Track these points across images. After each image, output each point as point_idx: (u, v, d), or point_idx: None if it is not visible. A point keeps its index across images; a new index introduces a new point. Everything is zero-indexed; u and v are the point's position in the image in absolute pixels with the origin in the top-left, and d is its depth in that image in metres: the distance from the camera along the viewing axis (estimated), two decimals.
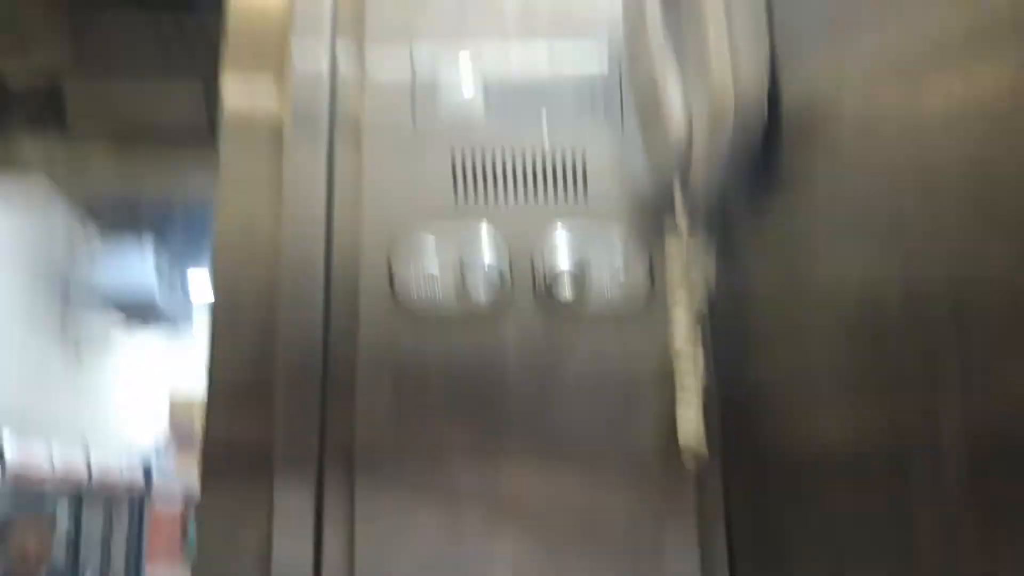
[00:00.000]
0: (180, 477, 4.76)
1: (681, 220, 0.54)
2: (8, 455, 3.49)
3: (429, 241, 0.60)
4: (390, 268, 0.60)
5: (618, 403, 0.59)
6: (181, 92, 2.31)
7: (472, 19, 0.65)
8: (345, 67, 0.65)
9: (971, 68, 0.33)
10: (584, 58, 0.63)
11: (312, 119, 0.64)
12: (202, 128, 2.34)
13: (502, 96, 0.63)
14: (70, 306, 4.46)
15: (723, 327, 0.58)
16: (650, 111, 0.54)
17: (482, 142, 0.62)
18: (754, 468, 0.55)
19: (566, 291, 0.59)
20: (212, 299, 0.66)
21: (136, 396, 5.20)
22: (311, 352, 0.60)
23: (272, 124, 0.69)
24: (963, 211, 0.33)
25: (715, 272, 0.56)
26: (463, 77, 0.63)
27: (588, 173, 0.61)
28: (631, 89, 0.59)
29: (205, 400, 0.62)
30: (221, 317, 0.65)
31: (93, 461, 4.24)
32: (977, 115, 0.32)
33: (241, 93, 0.70)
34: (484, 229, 0.60)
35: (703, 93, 0.49)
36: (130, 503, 4.75)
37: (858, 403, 0.42)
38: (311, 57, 0.65)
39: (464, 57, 0.63)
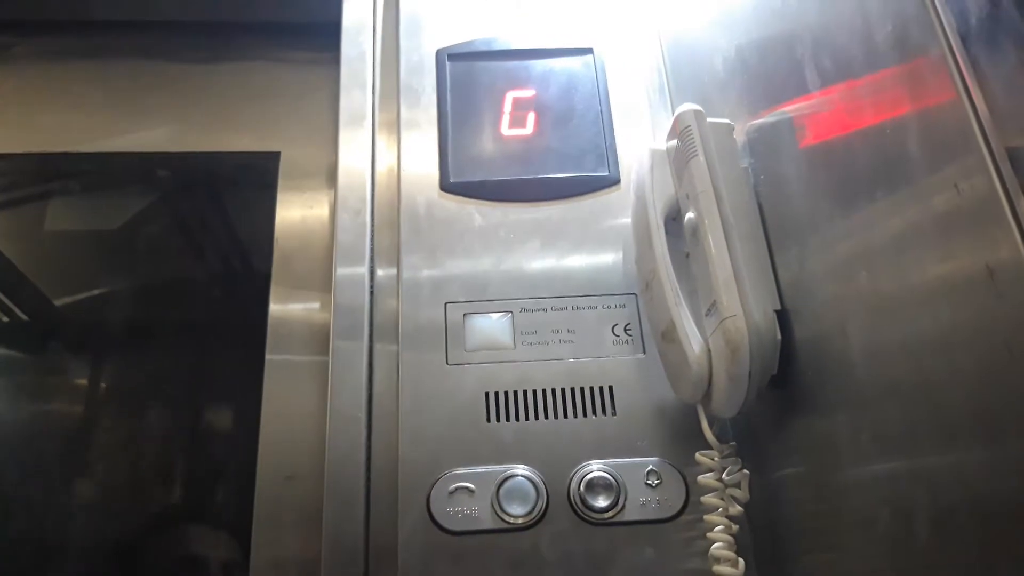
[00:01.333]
0: None
1: (708, 433, 0.59)
2: None
3: (464, 467, 0.63)
4: (428, 495, 0.63)
5: None
6: None
7: (498, 255, 0.72)
8: (383, 301, 0.72)
9: (960, 301, 0.39)
10: (606, 279, 0.71)
11: (352, 353, 0.69)
12: None
13: (530, 324, 0.69)
14: None
15: (760, 530, 0.61)
16: (669, 346, 0.60)
17: (512, 368, 0.67)
18: None
19: (600, 500, 0.62)
20: (254, 515, 0.69)
21: None
22: (353, 572, 0.63)
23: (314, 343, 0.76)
24: (972, 425, 0.38)
25: (748, 477, 0.59)
26: (495, 322, 0.69)
27: (616, 390, 0.66)
28: (648, 321, 0.65)
29: None
30: (262, 532, 0.68)
31: None
32: (972, 337, 0.38)
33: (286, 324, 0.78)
34: (516, 448, 0.64)
35: (719, 331, 0.55)
36: None
37: None
38: (352, 287, 0.72)
39: (498, 315, 0.69)
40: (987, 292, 0.36)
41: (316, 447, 0.68)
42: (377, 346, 0.70)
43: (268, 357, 0.78)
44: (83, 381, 1.02)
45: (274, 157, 0.87)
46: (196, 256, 0.96)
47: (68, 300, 1.00)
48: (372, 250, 0.74)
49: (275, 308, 0.80)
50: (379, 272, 0.74)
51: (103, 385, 1.02)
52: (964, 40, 0.38)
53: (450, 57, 0.80)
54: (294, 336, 0.79)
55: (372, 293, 0.73)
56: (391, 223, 0.75)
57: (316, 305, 0.80)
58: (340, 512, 0.64)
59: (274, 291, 0.81)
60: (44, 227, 0.93)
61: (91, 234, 0.96)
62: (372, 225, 0.76)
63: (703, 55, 0.73)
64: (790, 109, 0.56)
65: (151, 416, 0.93)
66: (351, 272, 0.73)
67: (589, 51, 0.81)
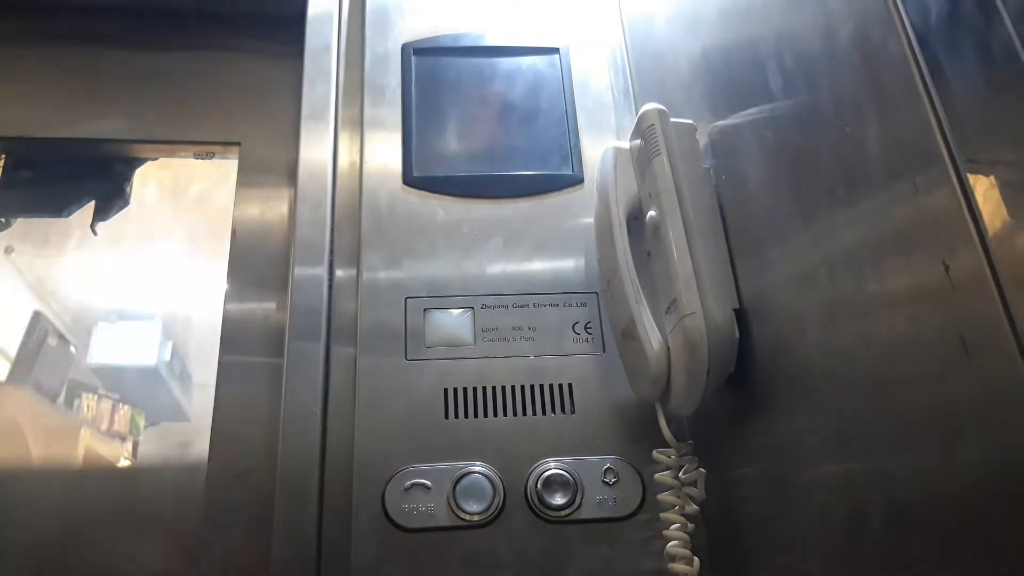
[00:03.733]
0: None
1: (666, 431, 0.58)
2: None
3: (421, 463, 0.63)
4: (383, 491, 0.62)
5: None
6: None
7: (460, 251, 0.71)
8: (342, 302, 0.71)
9: (918, 306, 0.39)
10: (567, 278, 0.71)
11: (309, 355, 0.68)
12: None
13: (491, 321, 0.68)
14: None
15: (716, 529, 0.61)
16: (628, 343, 0.60)
17: (471, 365, 0.67)
18: None
19: (557, 498, 0.61)
20: (205, 508, 0.68)
21: None
22: (304, 569, 0.61)
23: (270, 344, 0.75)
24: (929, 425, 0.38)
25: (704, 476, 0.59)
26: (455, 318, 0.68)
27: (575, 388, 0.66)
28: (608, 319, 0.65)
29: None
30: (211, 531, 0.67)
31: None
32: (928, 333, 0.38)
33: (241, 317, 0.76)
34: (474, 444, 0.64)
35: (678, 328, 0.55)
36: None
37: None
38: (310, 287, 0.71)
39: (458, 311, 0.69)
40: (943, 287, 0.37)
41: (270, 448, 0.67)
42: (334, 348, 0.69)
43: (221, 358, 0.76)
44: None
45: (234, 149, 0.86)
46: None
47: None
48: (332, 244, 0.73)
49: (230, 307, 0.79)
50: (339, 272, 0.72)
51: None
52: (924, 37, 0.39)
53: (416, 52, 0.80)
54: (249, 336, 0.77)
55: (331, 291, 0.71)
56: (352, 217, 0.74)
57: (272, 305, 0.79)
58: (292, 508, 0.63)
59: (229, 289, 0.80)
60: None
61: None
62: (332, 219, 0.75)
63: (668, 58, 0.73)
64: (752, 111, 0.57)
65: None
66: (309, 270, 0.72)
67: (555, 51, 0.81)
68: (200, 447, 0.73)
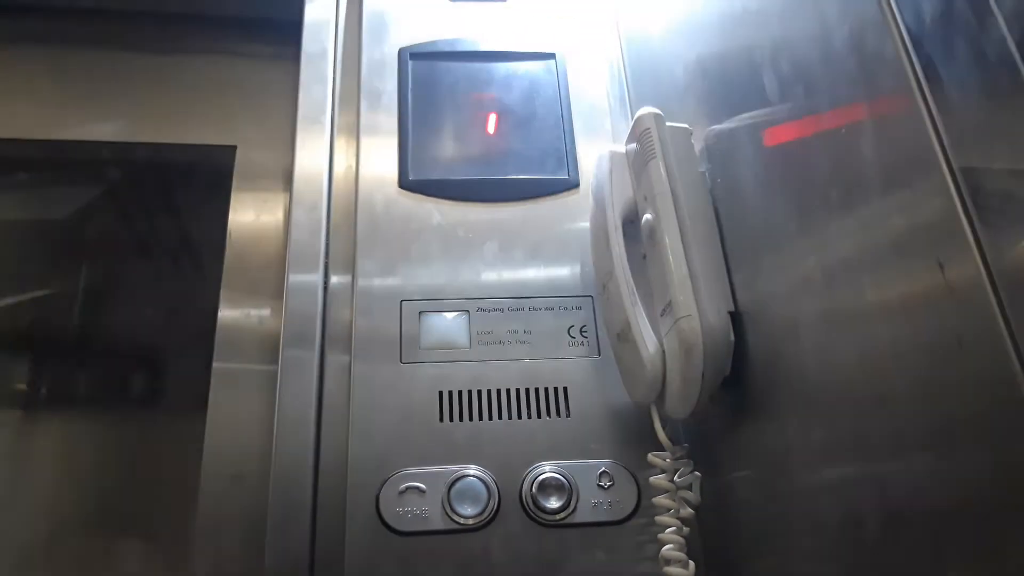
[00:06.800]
0: None
1: (661, 435, 0.58)
2: None
3: (415, 467, 0.62)
4: (377, 495, 0.62)
5: None
6: None
7: (456, 254, 0.71)
8: (336, 309, 0.70)
9: (914, 308, 0.39)
10: (563, 282, 0.71)
11: (303, 362, 0.68)
12: None
13: (486, 324, 0.68)
14: None
15: (710, 532, 0.61)
16: (624, 346, 0.60)
17: (467, 368, 0.66)
18: None
19: (552, 501, 0.61)
20: (196, 516, 0.67)
21: None
22: (297, 573, 0.61)
23: (264, 351, 0.74)
24: (924, 428, 0.38)
25: (700, 479, 0.59)
26: (451, 321, 0.68)
27: (570, 391, 0.66)
28: (604, 322, 0.65)
29: None
30: (204, 536, 0.66)
31: None
32: (924, 335, 0.38)
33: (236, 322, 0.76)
34: (468, 448, 0.63)
35: (673, 331, 0.55)
36: None
37: None
38: (304, 293, 0.70)
39: (454, 314, 0.69)
40: (939, 290, 0.37)
41: (264, 455, 0.66)
42: (329, 357, 0.68)
43: (215, 365, 0.75)
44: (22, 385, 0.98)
45: (230, 151, 0.86)
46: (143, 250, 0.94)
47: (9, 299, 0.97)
48: (327, 246, 0.73)
49: (224, 314, 0.78)
50: (334, 279, 0.72)
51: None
52: (918, 40, 0.39)
53: (412, 56, 0.80)
54: (243, 343, 0.77)
55: (326, 297, 0.71)
56: (348, 222, 0.74)
57: (267, 312, 0.78)
58: (286, 512, 0.63)
59: (224, 295, 0.79)
60: None
61: (36, 224, 0.93)
62: (328, 223, 0.74)
63: (664, 63, 0.74)
64: (748, 115, 0.57)
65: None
66: (304, 276, 0.71)
67: (551, 56, 0.81)
68: None
